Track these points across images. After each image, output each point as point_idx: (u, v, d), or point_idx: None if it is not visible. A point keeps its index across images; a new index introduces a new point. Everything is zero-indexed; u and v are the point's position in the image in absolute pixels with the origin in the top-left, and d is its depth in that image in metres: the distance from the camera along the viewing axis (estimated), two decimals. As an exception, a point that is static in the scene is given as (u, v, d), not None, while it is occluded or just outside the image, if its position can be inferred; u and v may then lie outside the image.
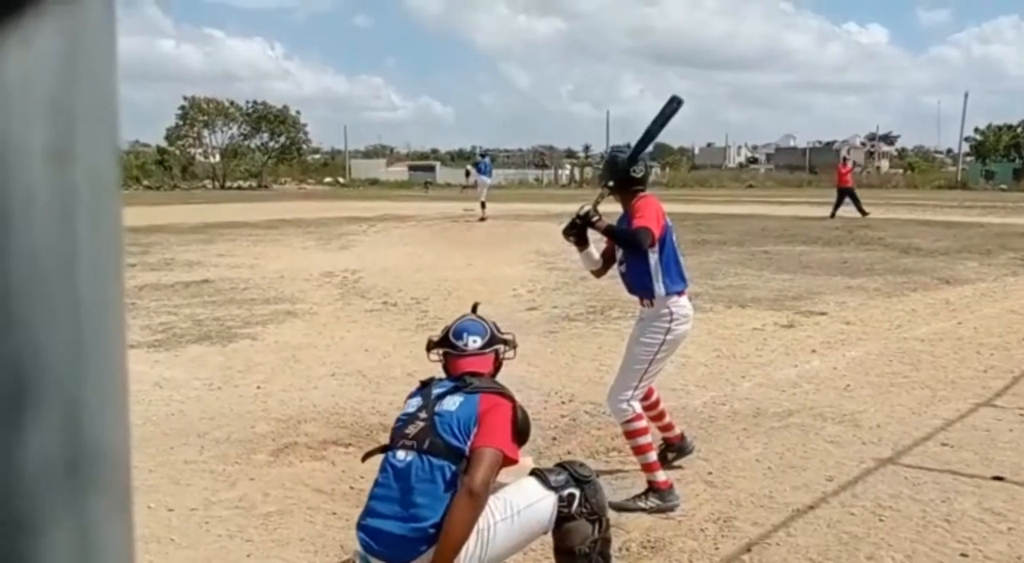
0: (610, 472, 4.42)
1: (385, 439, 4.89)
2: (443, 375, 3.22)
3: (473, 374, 3.09)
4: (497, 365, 3.27)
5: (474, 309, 3.45)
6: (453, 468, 2.79)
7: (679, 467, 4.45)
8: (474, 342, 3.22)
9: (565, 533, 2.93)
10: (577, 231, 4.15)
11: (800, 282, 11.28)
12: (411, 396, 3.14)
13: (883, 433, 5.03)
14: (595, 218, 4.07)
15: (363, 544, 2.83)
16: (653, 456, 4.08)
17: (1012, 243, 16.46)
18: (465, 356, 3.19)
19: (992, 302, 9.80)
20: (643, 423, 4.08)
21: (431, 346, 3.30)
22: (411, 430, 2.92)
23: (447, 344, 3.24)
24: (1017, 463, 4.49)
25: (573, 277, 11.66)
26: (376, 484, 2.91)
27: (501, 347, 3.28)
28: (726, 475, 4.40)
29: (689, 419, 5.27)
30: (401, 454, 2.87)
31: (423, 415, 2.94)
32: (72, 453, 0.37)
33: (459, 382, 3.04)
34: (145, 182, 63.39)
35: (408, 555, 2.73)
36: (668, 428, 4.49)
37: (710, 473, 4.41)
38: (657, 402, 4.41)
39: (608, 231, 4.10)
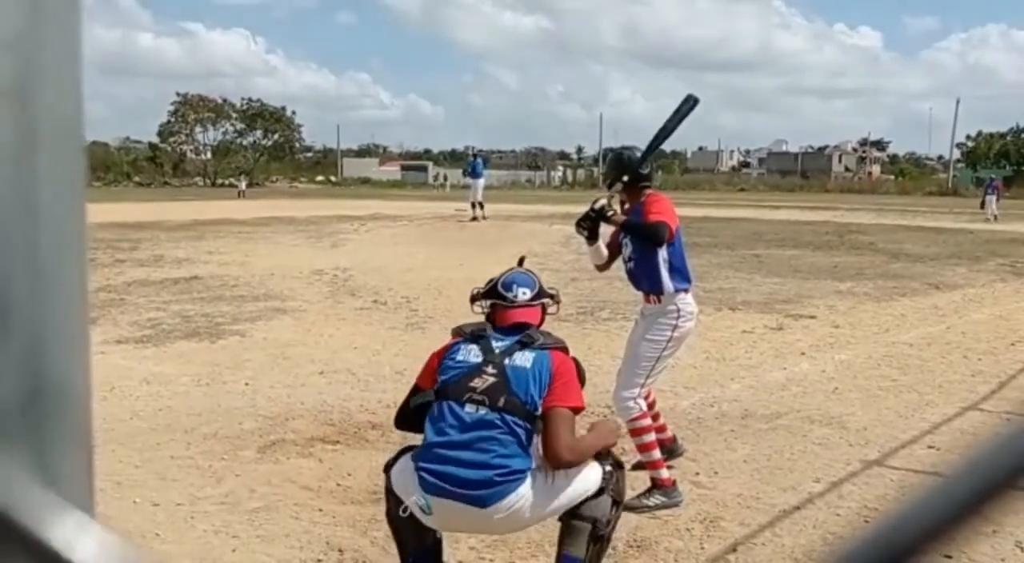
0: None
1: (373, 437, 4.92)
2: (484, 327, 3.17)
3: (526, 324, 3.09)
4: (543, 318, 3.27)
5: (520, 262, 3.45)
6: (529, 427, 2.81)
7: (669, 467, 4.45)
8: (524, 294, 3.21)
9: (594, 505, 2.95)
10: (591, 224, 4.14)
11: (790, 286, 11.32)
12: (463, 343, 3.04)
13: (870, 436, 5.04)
14: (610, 212, 4.06)
15: (432, 487, 2.76)
16: (657, 453, 4.10)
17: (1001, 249, 16.55)
18: (515, 307, 3.17)
19: (980, 307, 9.84)
20: (648, 421, 4.11)
21: (476, 298, 3.29)
22: (478, 384, 2.87)
23: (495, 295, 3.22)
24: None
25: (563, 278, 11.66)
26: (437, 430, 2.84)
27: (548, 300, 3.30)
28: (713, 476, 4.41)
29: (677, 420, 5.27)
30: (471, 408, 2.83)
31: (491, 370, 2.89)
32: (30, 387, 0.37)
33: (523, 337, 3.01)
34: (136, 178, 63.21)
35: (479, 504, 2.73)
36: (661, 429, 4.50)
37: (697, 474, 4.41)
38: (653, 402, 4.43)
39: (626, 225, 4.09)
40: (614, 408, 4.29)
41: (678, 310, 4.08)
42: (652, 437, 4.11)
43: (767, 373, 6.59)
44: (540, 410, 2.84)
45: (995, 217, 26.34)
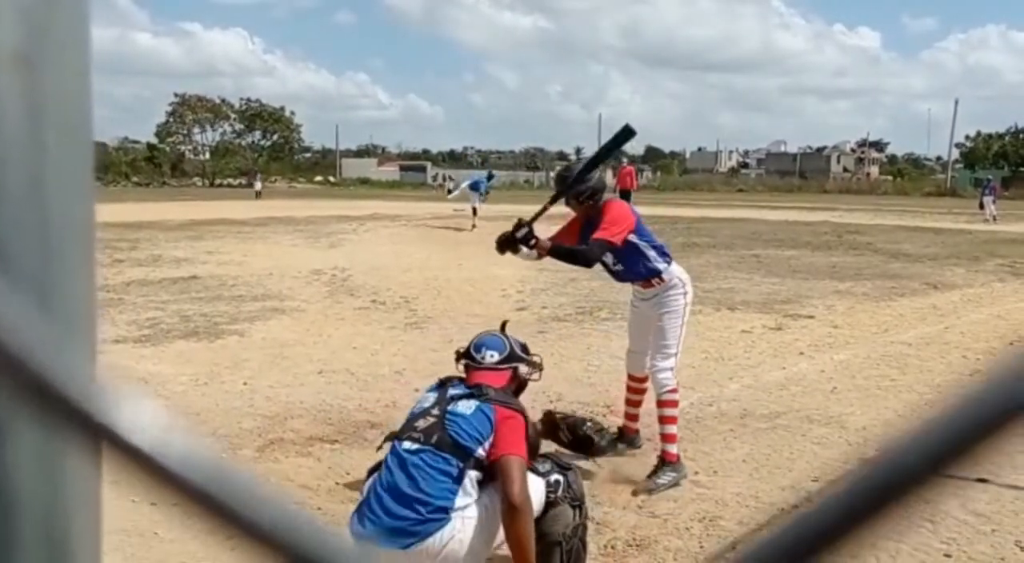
0: (597, 473, 4.41)
1: (372, 436, 4.92)
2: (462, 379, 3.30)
3: (489, 386, 3.14)
4: (517, 384, 3.35)
5: (503, 327, 3.53)
6: (460, 464, 2.85)
7: (631, 454, 4.61)
8: (491, 356, 3.32)
9: (552, 519, 3.00)
10: (512, 246, 4.10)
11: (789, 286, 11.32)
12: (429, 390, 3.21)
13: (869, 435, 5.04)
14: (532, 241, 4.03)
15: (360, 527, 2.83)
16: (674, 428, 4.31)
17: (999, 250, 16.57)
18: (481, 369, 3.28)
19: (979, 307, 9.85)
20: (678, 396, 4.33)
21: (459, 357, 3.41)
22: (421, 424, 2.98)
23: (468, 355, 3.36)
24: (1001, 465, 4.50)
25: (563, 278, 11.65)
26: (380, 470, 2.95)
27: (522, 366, 3.37)
28: (712, 475, 4.41)
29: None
30: (408, 444, 2.93)
31: (435, 412, 3.01)
32: (36, 374, 0.37)
33: (475, 390, 3.10)
34: (134, 179, 63.16)
35: (409, 539, 2.75)
36: (634, 418, 4.72)
37: (696, 473, 4.41)
38: (646, 389, 4.58)
39: (553, 252, 4.14)
40: (652, 382, 4.41)
41: (681, 281, 4.34)
42: (677, 411, 4.33)
43: (766, 373, 6.59)
44: (482, 454, 2.87)
45: (994, 218, 26.40)
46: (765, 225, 23.06)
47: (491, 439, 2.90)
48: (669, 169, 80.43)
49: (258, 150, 69.98)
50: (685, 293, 4.34)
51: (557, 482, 3.03)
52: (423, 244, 16.76)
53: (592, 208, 4.28)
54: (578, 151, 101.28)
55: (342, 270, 12.23)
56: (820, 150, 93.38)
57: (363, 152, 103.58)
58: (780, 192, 56.86)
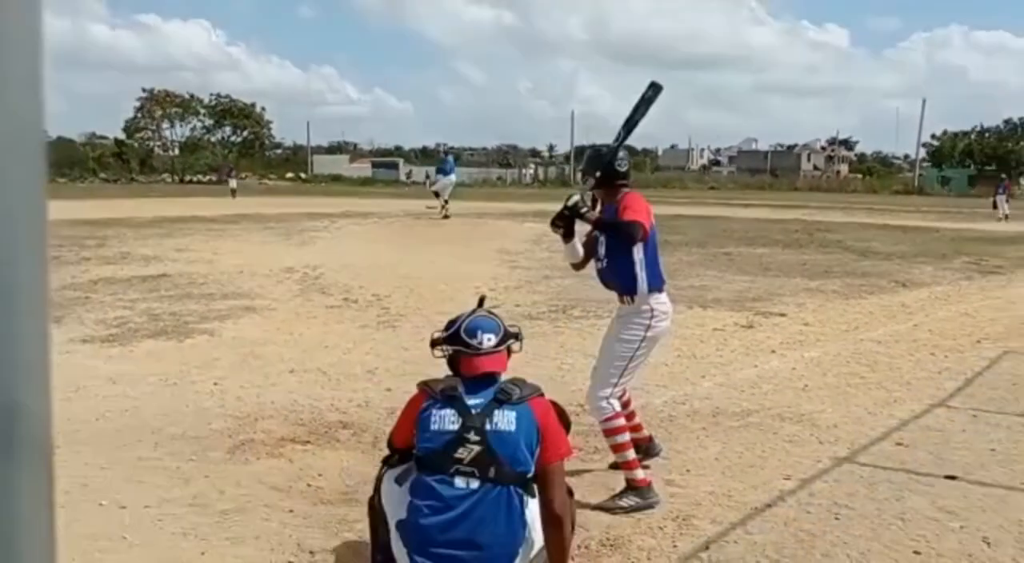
0: (571, 472, 4.40)
1: (344, 436, 4.88)
2: (433, 374, 3.12)
3: (494, 374, 2.98)
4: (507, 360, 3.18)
5: (481, 303, 3.24)
6: (522, 492, 2.77)
7: (644, 466, 4.46)
8: (489, 340, 3.01)
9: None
10: (566, 222, 4.06)
11: (760, 284, 11.40)
12: (436, 408, 2.89)
13: (840, 433, 5.08)
14: (584, 209, 3.98)
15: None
16: (631, 454, 4.06)
17: (966, 248, 16.81)
18: (481, 355, 2.98)
19: (946, 305, 9.98)
20: (621, 421, 4.06)
21: (437, 343, 3.07)
22: (463, 454, 2.77)
23: (458, 342, 3.02)
24: (970, 462, 4.56)
25: (536, 276, 11.66)
26: (429, 509, 2.76)
27: (512, 341, 3.14)
28: (685, 474, 4.42)
29: (649, 418, 5.27)
30: (460, 482, 2.75)
31: (473, 437, 2.79)
32: None
33: (498, 394, 2.89)
34: (102, 175, 62.33)
35: None
36: (637, 429, 4.47)
37: (669, 472, 4.42)
38: (629, 401, 4.40)
39: (599, 222, 4.02)
40: (587, 407, 4.25)
41: (652, 310, 4.04)
42: (626, 437, 4.08)
43: (738, 371, 6.63)
44: (533, 470, 2.79)
45: (1006, 216, 26.92)
46: (737, 223, 23.22)
47: (539, 444, 2.81)
48: (642, 167, 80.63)
49: (228, 146, 69.32)
50: (649, 327, 4.03)
51: None
52: (396, 242, 16.69)
53: (617, 193, 4.08)
54: (551, 148, 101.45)
55: (314, 268, 12.14)
56: (791, 148, 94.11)
57: (334, 148, 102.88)
58: (751, 190, 57.28)
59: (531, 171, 78.39)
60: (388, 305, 9.30)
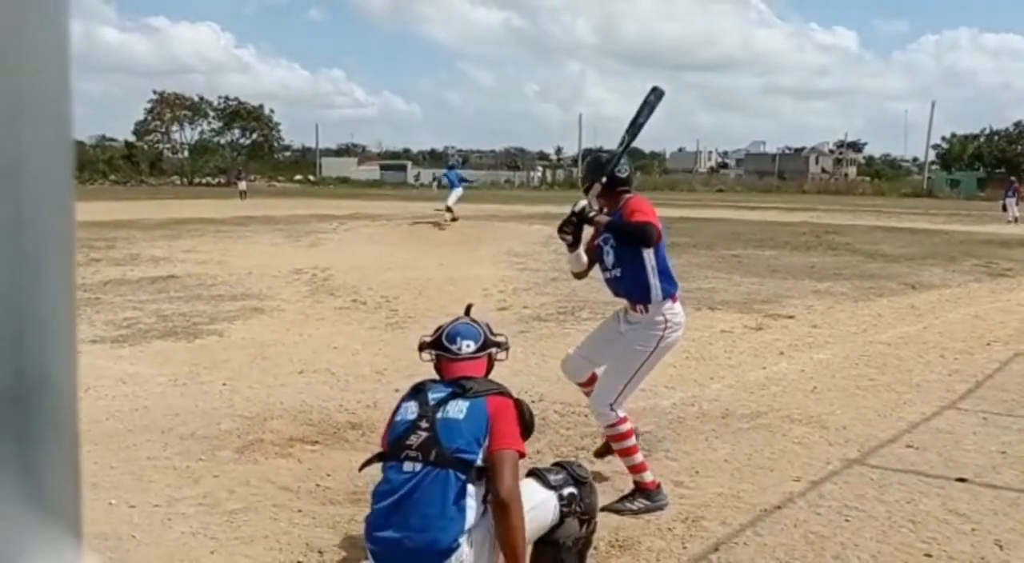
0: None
1: (353, 437, 4.89)
2: (434, 376, 3.16)
3: (467, 378, 3.03)
4: (489, 367, 3.22)
5: (467, 311, 3.36)
6: (462, 477, 2.77)
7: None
8: (468, 346, 3.14)
9: (554, 527, 2.96)
10: (574, 228, 3.98)
11: (769, 286, 11.38)
12: (404, 400, 3.05)
13: (849, 435, 5.06)
14: (592, 213, 3.93)
15: (376, 557, 2.79)
16: (639, 457, 4.02)
17: (976, 250, 16.75)
18: (459, 360, 3.11)
19: (956, 307, 9.94)
20: (628, 426, 4.00)
21: (423, 347, 3.20)
22: (413, 440, 2.84)
23: (440, 347, 3.15)
24: (980, 465, 4.54)
25: (544, 278, 11.67)
26: (379, 494, 2.85)
27: (494, 350, 3.22)
28: (695, 475, 4.40)
29: (658, 420, 5.28)
30: (407, 466, 2.81)
31: (424, 424, 2.87)
32: (14, 381, 0.35)
33: (456, 387, 2.97)
34: (112, 177, 62.61)
35: None
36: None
37: (678, 473, 4.41)
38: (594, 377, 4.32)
39: (611, 225, 3.93)
40: (593, 413, 4.20)
41: (665, 322, 3.96)
42: (633, 442, 4.03)
43: (747, 373, 6.61)
44: (480, 458, 2.81)
45: (1015, 219, 26.85)
46: (745, 225, 23.19)
47: (488, 436, 2.83)
48: (649, 169, 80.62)
49: (237, 148, 69.57)
50: (662, 338, 3.94)
51: (572, 496, 2.97)
52: (404, 244, 16.71)
53: (620, 199, 4.01)
54: (559, 151, 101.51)
55: (323, 270, 12.16)
56: (799, 151, 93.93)
57: (343, 151, 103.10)
58: (759, 192, 57.24)
59: (539, 174, 78.46)
60: (397, 307, 9.31)
